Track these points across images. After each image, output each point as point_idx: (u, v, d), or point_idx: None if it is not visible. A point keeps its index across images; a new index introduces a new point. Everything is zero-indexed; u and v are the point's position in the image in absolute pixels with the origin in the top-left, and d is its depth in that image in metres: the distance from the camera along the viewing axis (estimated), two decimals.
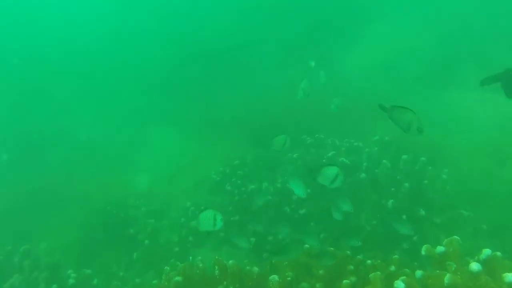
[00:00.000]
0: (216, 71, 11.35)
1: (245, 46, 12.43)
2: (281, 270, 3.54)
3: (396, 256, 3.46)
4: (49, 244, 5.89)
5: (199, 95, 10.41)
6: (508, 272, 2.36)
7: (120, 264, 5.48)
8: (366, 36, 11.21)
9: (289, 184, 4.18)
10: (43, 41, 15.71)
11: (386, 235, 4.47)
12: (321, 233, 4.64)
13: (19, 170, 8.56)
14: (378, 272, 2.99)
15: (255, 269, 3.42)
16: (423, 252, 2.95)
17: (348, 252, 3.58)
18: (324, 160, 5.59)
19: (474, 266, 2.44)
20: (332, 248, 3.71)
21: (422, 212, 4.46)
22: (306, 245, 3.75)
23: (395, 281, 2.66)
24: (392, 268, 3.31)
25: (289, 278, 3.27)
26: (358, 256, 3.57)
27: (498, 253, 2.68)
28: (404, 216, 4.34)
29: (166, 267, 3.90)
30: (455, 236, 2.90)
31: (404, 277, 2.76)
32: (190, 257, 4.90)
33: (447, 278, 2.52)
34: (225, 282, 3.39)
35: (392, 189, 4.83)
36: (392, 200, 4.61)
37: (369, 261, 3.42)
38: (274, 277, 3.17)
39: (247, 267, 3.45)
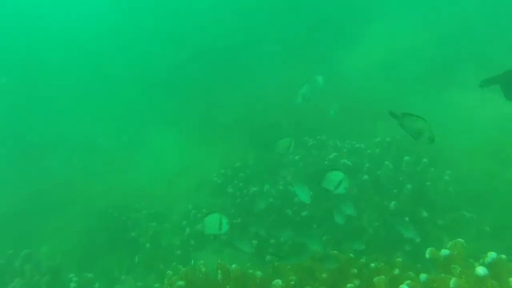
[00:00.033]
0: (216, 71, 11.31)
1: (245, 46, 12.38)
2: (284, 274, 3.52)
3: (399, 259, 3.44)
4: (50, 248, 5.88)
5: (199, 95, 10.36)
6: None
7: (121, 267, 5.45)
8: (366, 36, 11.19)
9: (294, 189, 4.18)
10: (43, 41, 15.67)
11: (389, 237, 4.46)
12: (323, 235, 4.62)
13: (19, 173, 8.53)
14: (383, 276, 2.98)
15: (258, 273, 3.41)
16: (427, 255, 2.94)
17: (351, 255, 3.56)
18: (326, 162, 5.57)
19: (481, 270, 2.43)
20: (335, 251, 3.69)
21: (425, 214, 4.45)
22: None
23: (400, 285, 2.65)
24: (396, 271, 3.29)
25: (292, 282, 3.26)
26: (362, 259, 3.55)
27: (503, 256, 2.67)
28: (406, 218, 4.33)
29: (168, 271, 3.89)
30: (460, 239, 2.89)
31: (409, 281, 2.75)
32: (192, 261, 4.88)
33: (452, 282, 2.51)
34: (228, 287, 3.38)
35: (395, 190, 4.82)
36: (394, 202, 4.60)
37: (372, 264, 3.41)
38: (278, 282, 3.16)
39: (250, 271, 3.44)
